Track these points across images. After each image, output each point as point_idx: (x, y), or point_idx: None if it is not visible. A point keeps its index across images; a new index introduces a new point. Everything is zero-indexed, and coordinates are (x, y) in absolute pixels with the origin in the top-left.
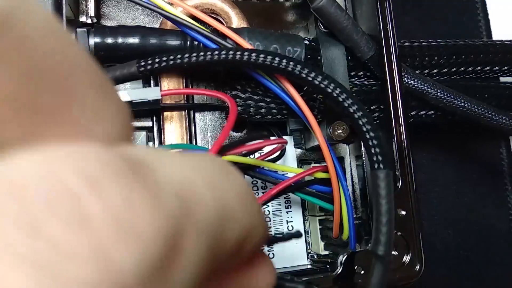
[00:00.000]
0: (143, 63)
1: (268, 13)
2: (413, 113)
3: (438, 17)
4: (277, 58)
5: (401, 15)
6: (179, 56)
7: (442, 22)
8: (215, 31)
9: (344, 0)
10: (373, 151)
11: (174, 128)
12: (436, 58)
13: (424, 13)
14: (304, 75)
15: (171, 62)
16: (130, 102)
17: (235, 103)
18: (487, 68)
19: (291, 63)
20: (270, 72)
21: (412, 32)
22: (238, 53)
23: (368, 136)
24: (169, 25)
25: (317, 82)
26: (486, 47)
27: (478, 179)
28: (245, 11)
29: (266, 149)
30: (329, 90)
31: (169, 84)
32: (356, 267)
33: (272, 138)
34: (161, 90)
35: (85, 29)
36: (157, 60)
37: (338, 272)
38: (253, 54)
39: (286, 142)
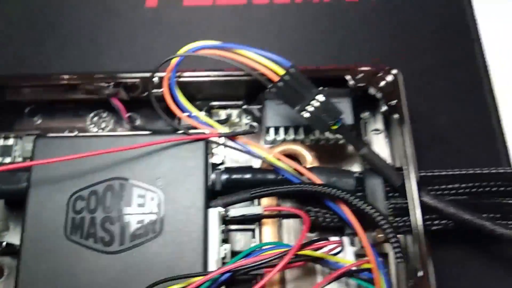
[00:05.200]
0: (256, 192)
1: (332, 150)
2: (435, 222)
3: (461, 149)
4: (334, 190)
5: (426, 150)
6: (277, 188)
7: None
8: (295, 170)
9: (385, 138)
10: (396, 250)
11: (269, 231)
12: (453, 184)
13: (447, 148)
14: (352, 202)
15: (271, 191)
16: (243, 215)
17: (308, 216)
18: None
19: (344, 193)
20: (332, 198)
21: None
22: (311, 186)
23: (393, 241)
24: (265, 164)
25: (362, 207)
26: (500, 175)
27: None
28: (316, 150)
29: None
30: (369, 212)
31: (268, 202)
32: None
33: (333, 239)
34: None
35: (219, 170)
36: (265, 190)
37: None
38: (320, 187)
39: (340, 243)
